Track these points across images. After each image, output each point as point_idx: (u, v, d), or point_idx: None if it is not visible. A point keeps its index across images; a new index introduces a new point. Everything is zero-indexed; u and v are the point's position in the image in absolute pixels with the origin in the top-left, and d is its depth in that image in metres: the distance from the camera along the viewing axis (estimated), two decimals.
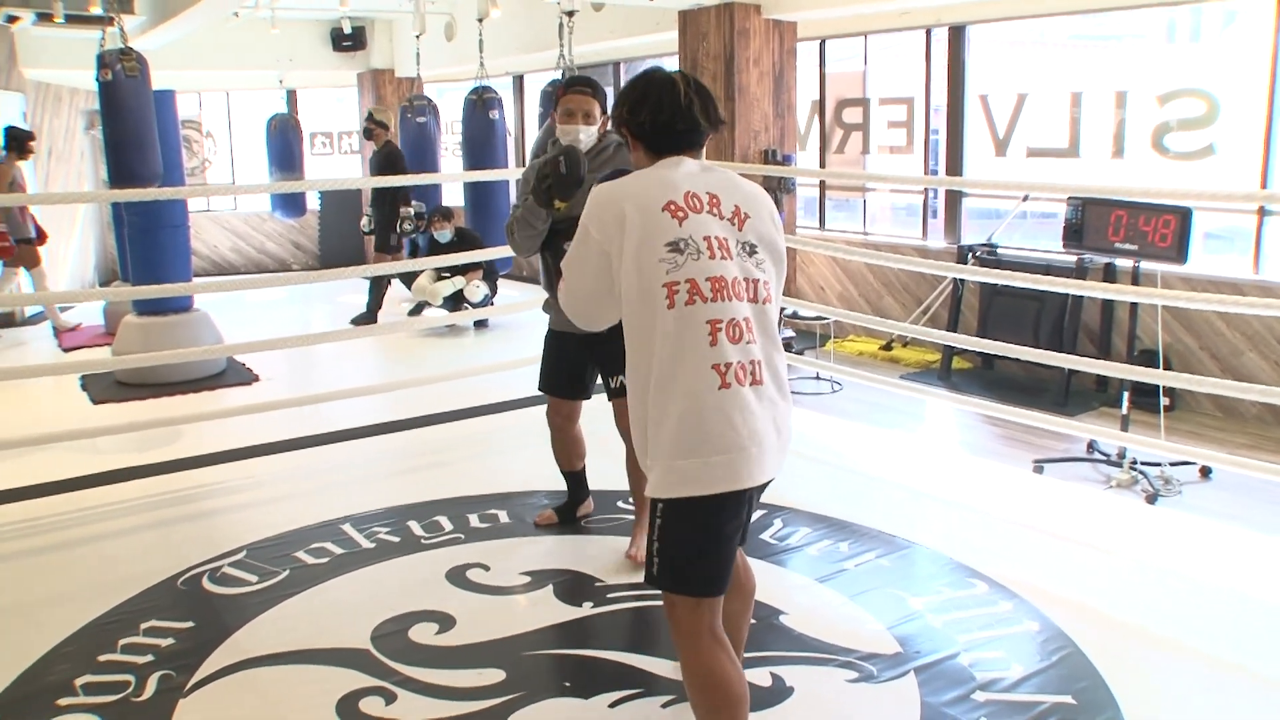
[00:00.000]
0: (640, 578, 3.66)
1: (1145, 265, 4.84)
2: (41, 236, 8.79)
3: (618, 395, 3.82)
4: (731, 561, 2.36)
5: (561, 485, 4.32)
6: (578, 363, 3.94)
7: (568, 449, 4.18)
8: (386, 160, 8.79)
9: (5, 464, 5.16)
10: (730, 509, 2.27)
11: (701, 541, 2.29)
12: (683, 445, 2.20)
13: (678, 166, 2.39)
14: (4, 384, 6.97)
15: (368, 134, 9.04)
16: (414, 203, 9.82)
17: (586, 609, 3.53)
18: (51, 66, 9.79)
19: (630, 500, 4.28)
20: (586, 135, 3.65)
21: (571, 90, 3.69)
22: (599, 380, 3.96)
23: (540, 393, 4.11)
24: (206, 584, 3.81)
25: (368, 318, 8.88)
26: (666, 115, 2.39)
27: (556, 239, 3.63)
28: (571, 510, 4.31)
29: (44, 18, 7.56)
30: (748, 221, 2.36)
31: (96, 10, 6.84)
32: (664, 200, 2.28)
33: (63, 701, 3.03)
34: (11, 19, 7.79)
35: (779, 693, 2.97)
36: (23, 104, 9.78)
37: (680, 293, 2.22)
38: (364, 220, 9.31)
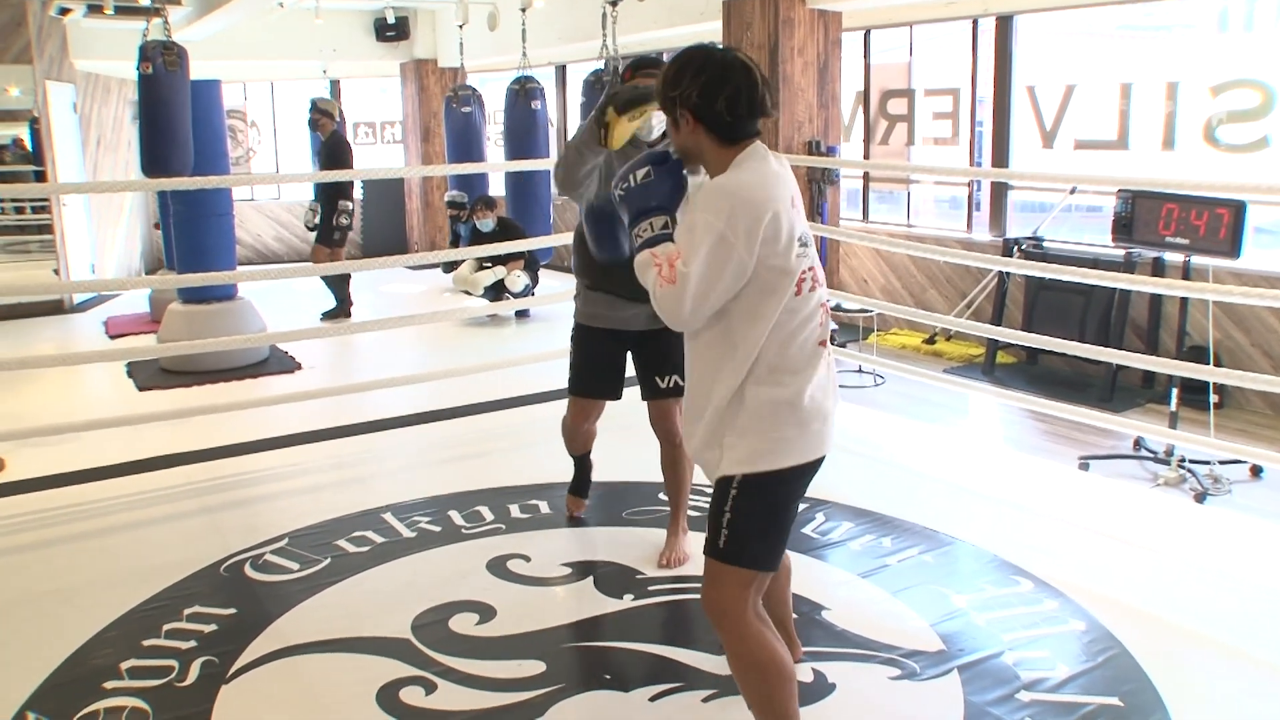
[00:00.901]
0: (681, 570, 3.69)
1: (1196, 260, 4.72)
2: None
3: (667, 395, 3.69)
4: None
5: (607, 476, 4.30)
6: (617, 361, 3.78)
7: (584, 440, 4.07)
8: (332, 151, 8.44)
9: (53, 449, 5.24)
10: (807, 478, 2.39)
11: (778, 514, 2.36)
12: (794, 417, 2.29)
13: (768, 158, 2.31)
14: (53, 370, 7.07)
15: (313, 125, 8.71)
16: (453, 192, 9.87)
17: (627, 601, 3.51)
18: (101, 58, 9.92)
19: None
20: (659, 122, 3.37)
21: (641, 73, 3.44)
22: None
23: (572, 394, 3.89)
24: (249, 571, 3.84)
25: (339, 311, 8.64)
26: (747, 102, 2.27)
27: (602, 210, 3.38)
28: (586, 484, 4.25)
29: (94, 9, 7.67)
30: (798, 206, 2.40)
31: (145, 1, 6.90)
32: (789, 194, 2.29)
33: (108, 685, 3.06)
34: (64, 11, 7.89)
35: (821, 689, 2.94)
36: (73, 94, 9.92)
37: (806, 280, 2.29)
38: (307, 214, 8.86)
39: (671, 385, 3.66)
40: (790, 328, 2.29)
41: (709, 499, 2.41)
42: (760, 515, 2.33)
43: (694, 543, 3.73)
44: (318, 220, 8.64)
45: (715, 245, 2.18)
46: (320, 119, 8.61)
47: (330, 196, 8.51)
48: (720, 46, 2.36)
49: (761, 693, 2.37)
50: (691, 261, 2.19)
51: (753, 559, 2.34)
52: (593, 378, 3.79)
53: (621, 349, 3.72)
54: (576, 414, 3.90)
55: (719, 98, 2.25)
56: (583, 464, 4.20)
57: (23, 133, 10.11)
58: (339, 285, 8.65)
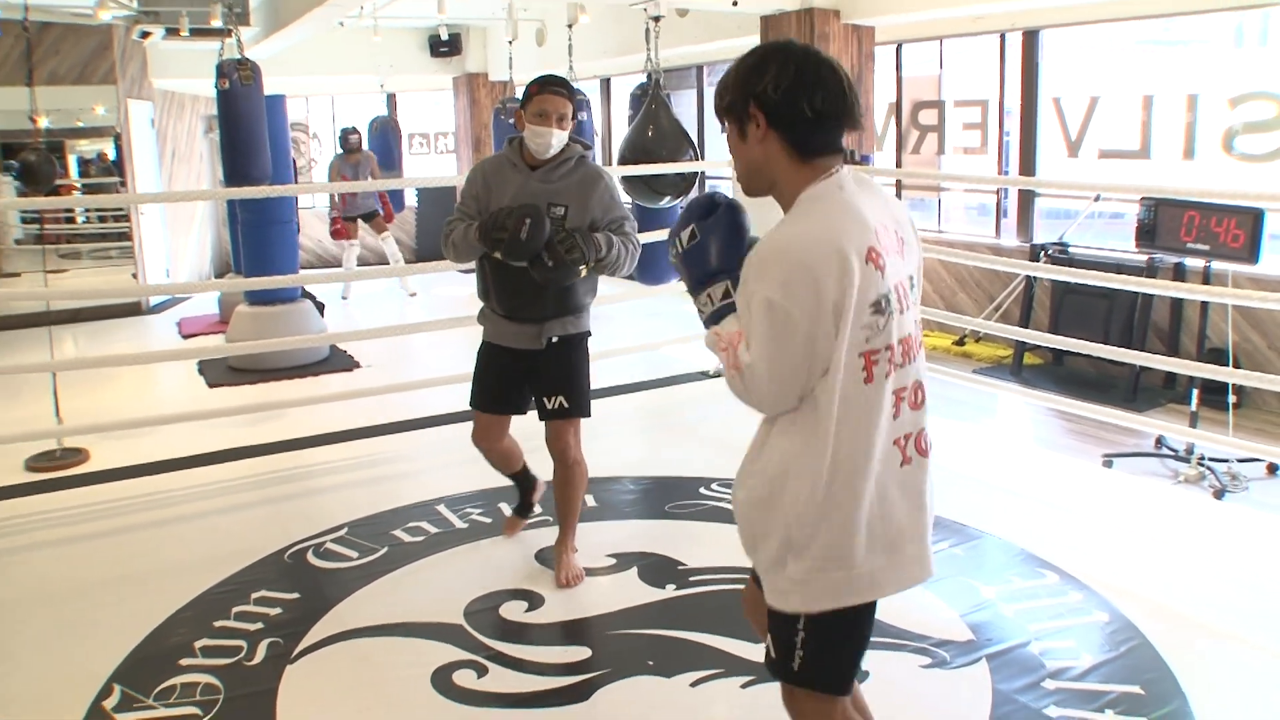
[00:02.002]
0: (721, 561, 3.67)
1: (1216, 265, 4.67)
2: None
3: (554, 417, 3.54)
4: None
5: (650, 471, 4.28)
6: (509, 376, 3.57)
7: (504, 460, 3.84)
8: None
9: (130, 442, 5.32)
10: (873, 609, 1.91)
11: (860, 641, 1.92)
12: (870, 543, 1.80)
13: (845, 185, 1.80)
14: (130, 368, 7.18)
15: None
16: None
17: (669, 591, 3.51)
18: (176, 76, 10.05)
19: (711, 488, 4.22)
20: (558, 140, 3.31)
21: (547, 90, 3.30)
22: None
23: (470, 406, 3.69)
24: (311, 558, 3.87)
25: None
26: (834, 103, 1.78)
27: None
28: (528, 505, 4.02)
29: (172, 32, 7.81)
30: (907, 246, 1.87)
31: (217, 23, 7.00)
32: (866, 245, 1.72)
33: (184, 662, 3.11)
34: (144, 35, 8.06)
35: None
36: (152, 111, 10.07)
37: (880, 363, 1.76)
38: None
39: (557, 406, 3.51)
40: (872, 422, 1.77)
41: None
42: (848, 643, 1.90)
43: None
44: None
45: (773, 321, 1.69)
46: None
47: None
48: (801, 43, 1.86)
49: None
50: (753, 344, 1.73)
51: (839, 684, 1.92)
52: (484, 391, 3.62)
53: (515, 366, 3.53)
54: (477, 429, 3.71)
55: (805, 96, 1.76)
56: (520, 482, 3.94)
57: (107, 147, 10.31)
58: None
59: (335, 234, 10.04)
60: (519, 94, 11.09)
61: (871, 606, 1.88)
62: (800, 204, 1.80)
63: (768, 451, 1.84)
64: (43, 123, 7.24)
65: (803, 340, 1.69)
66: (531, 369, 3.51)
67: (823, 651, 1.86)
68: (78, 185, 10.43)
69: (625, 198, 3.63)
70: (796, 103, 1.76)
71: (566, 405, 3.52)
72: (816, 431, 1.75)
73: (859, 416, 1.76)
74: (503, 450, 3.79)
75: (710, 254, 1.87)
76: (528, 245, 3.18)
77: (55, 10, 8.22)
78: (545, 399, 3.53)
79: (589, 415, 3.59)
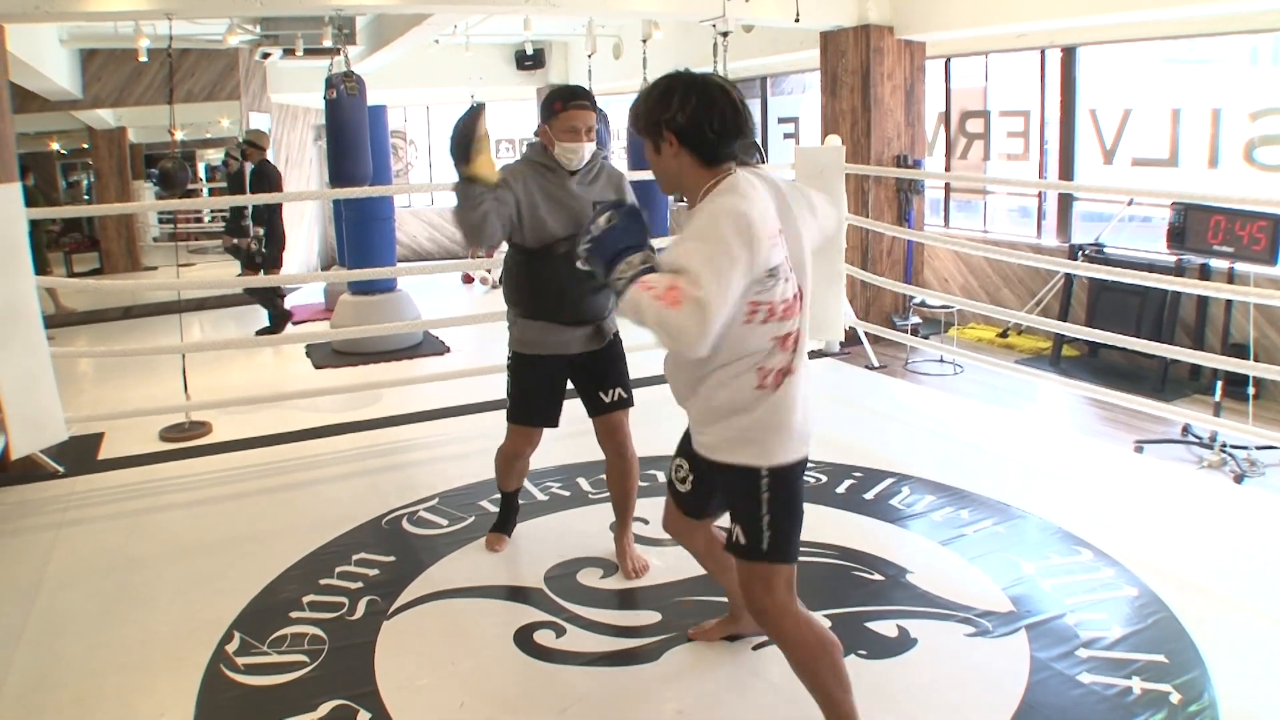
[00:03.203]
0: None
1: (1239, 266, 4.61)
2: None
3: (613, 409, 3.29)
4: None
5: None
6: (556, 386, 3.31)
7: (520, 473, 3.60)
8: (261, 177, 7.58)
9: (246, 418, 5.44)
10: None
11: (800, 505, 2.23)
12: (787, 412, 2.14)
13: (739, 183, 2.06)
14: (247, 350, 7.35)
15: (243, 155, 7.75)
16: None
17: None
18: (290, 91, 10.25)
19: None
20: (589, 152, 3.09)
21: (574, 105, 3.04)
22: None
23: (513, 423, 3.38)
24: (406, 525, 3.91)
25: (276, 327, 7.68)
26: (730, 123, 2.05)
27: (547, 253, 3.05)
28: (511, 522, 3.72)
29: (288, 52, 7.98)
30: (784, 234, 2.12)
31: (328, 43, 7.11)
32: (774, 224, 2.06)
33: (294, 615, 3.17)
34: (265, 55, 8.26)
35: (904, 643, 2.88)
36: (269, 122, 10.29)
37: (759, 312, 2.06)
38: (251, 243, 7.63)
39: (616, 399, 3.29)
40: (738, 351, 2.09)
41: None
42: (795, 505, 2.22)
43: None
44: (261, 246, 7.59)
45: (722, 262, 1.94)
46: (250, 150, 7.76)
47: (271, 220, 7.59)
48: (695, 71, 2.12)
49: (830, 674, 2.21)
50: (702, 282, 1.91)
51: (794, 553, 2.22)
52: (533, 405, 3.31)
53: (560, 374, 3.28)
54: (517, 442, 3.41)
55: (706, 119, 2.03)
56: (511, 502, 3.71)
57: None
58: (271, 301, 7.76)
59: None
60: (598, 103, 11.06)
61: (801, 478, 2.22)
62: (721, 189, 2.05)
63: (715, 404, 2.16)
64: (179, 135, 7.41)
65: (738, 280, 1.95)
66: (579, 371, 3.28)
67: (783, 519, 2.17)
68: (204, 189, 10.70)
69: None
70: (700, 127, 2.04)
71: (625, 395, 3.33)
72: (733, 347, 2.07)
73: (745, 348, 2.08)
74: (525, 466, 3.57)
75: (628, 231, 2.07)
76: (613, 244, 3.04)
77: (192, 38, 8.46)
78: (602, 393, 3.28)
79: (633, 405, 3.38)
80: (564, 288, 3.06)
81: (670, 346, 2.01)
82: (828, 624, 2.27)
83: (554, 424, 3.34)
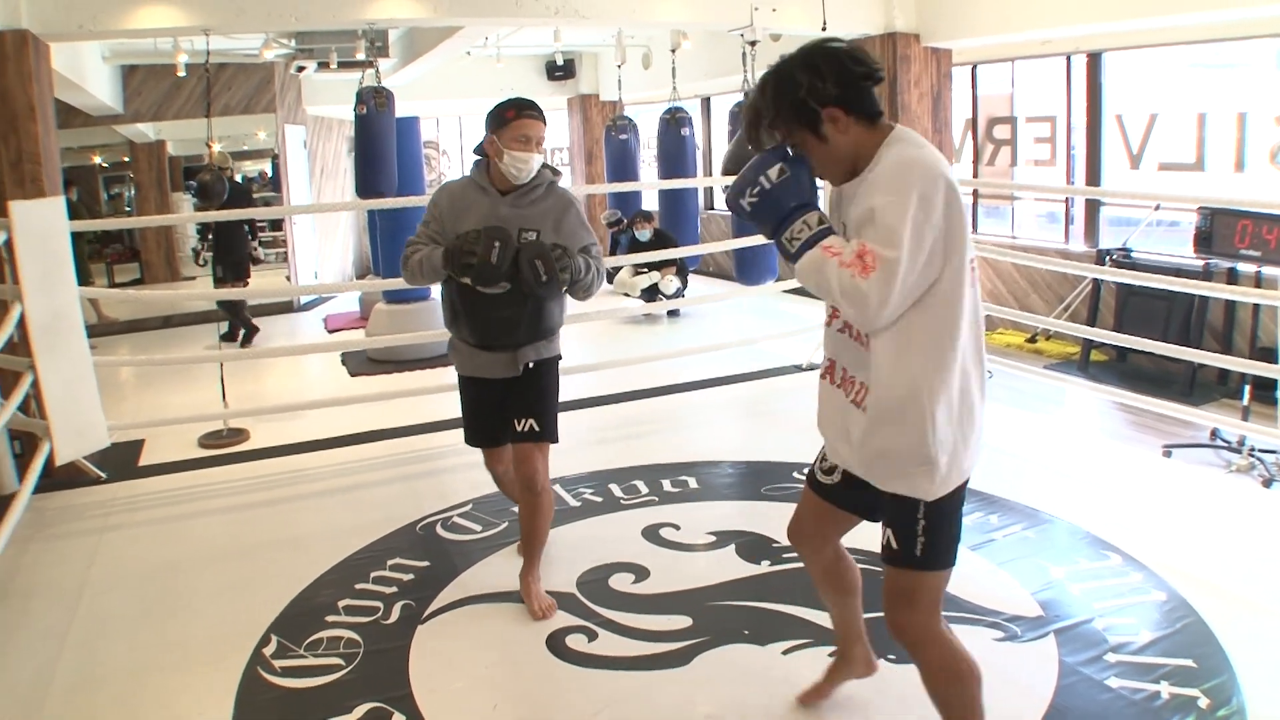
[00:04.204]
0: None
1: (1267, 270, 4.57)
2: None
3: (523, 439, 3.14)
4: None
5: (747, 455, 4.20)
6: (492, 409, 3.20)
7: (511, 483, 3.41)
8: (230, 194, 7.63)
9: (282, 425, 5.50)
10: None
11: (960, 512, 2.03)
12: (976, 429, 1.94)
13: (906, 133, 1.89)
14: (284, 358, 7.43)
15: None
16: (608, 212, 9.96)
17: (764, 567, 3.46)
18: (324, 104, 10.37)
19: (803, 471, 4.14)
20: (537, 163, 3.00)
21: (525, 114, 2.96)
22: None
23: (469, 444, 3.33)
24: (440, 530, 3.94)
25: (248, 337, 8.06)
26: (866, 64, 1.86)
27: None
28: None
29: (323, 66, 8.10)
30: None
31: (361, 56, 7.19)
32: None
33: (330, 619, 3.20)
34: (300, 69, 8.38)
35: None
36: (304, 134, 10.42)
37: (975, 270, 1.88)
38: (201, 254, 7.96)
39: (527, 429, 3.12)
40: (978, 327, 1.89)
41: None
42: (958, 515, 2.01)
43: None
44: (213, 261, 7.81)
45: (916, 223, 1.74)
46: (217, 170, 7.85)
47: (231, 235, 7.81)
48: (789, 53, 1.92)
49: (965, 699, 2.06)
50: (889, 244, 1.73)
51: (953, 558, 2.01)
52: (475, 430, 3.28)
53: (491, 396, 3.18)
54: (488, 461, 3.41)
55: (849, 74, 1.84)
56: None
57: (267, 167, 10.71)
58: (235, 313, 8.06)
59: None
60: (627, 112, 11.10)
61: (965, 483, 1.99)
62: (892, 143, 1.86)
63: (895, 374, 1.86)
64: (216, 148, 7.54)
65: (931, 242, 1.76)
66: (505, 395, 3.16)
67: (947, 530, 1.97)
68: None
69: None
70: (854, 82, 1.84)
71: (537, 429, 3.14)
72: (934, 343, 1.83)
73: (974, 321, 1.87)
74: (512, 484, 3.42)
75: (801, 185, 1.88)
76: (498, 269, 2.86)
77: (229, 53, 8.60)
78: (515, 421, 3.14)
79: (557, 441, 3.21)
80: (465, 309, 3.02)
81: (852, 317, 1.85)
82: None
83: (499, 444, 3.28)
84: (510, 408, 3.14)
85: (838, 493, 2.21)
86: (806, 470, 2.32)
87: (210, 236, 7.84)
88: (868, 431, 1.94)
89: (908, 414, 1.87)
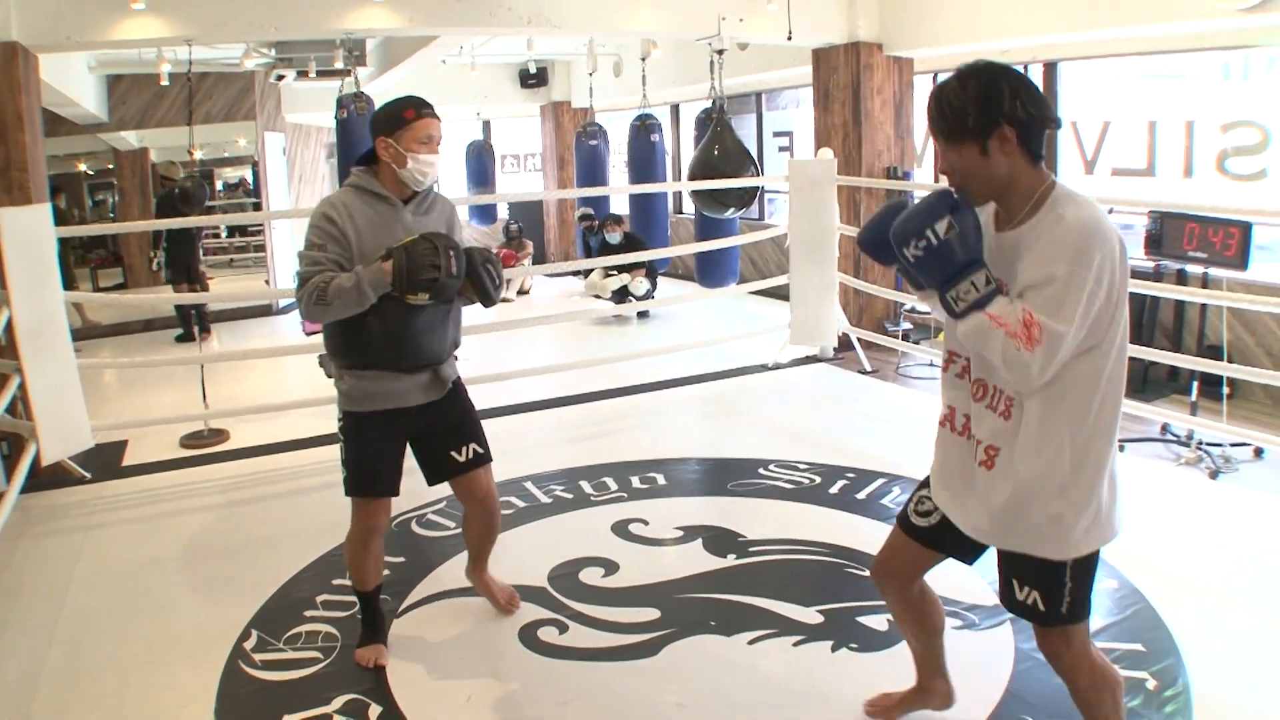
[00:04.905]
0: (779, 534, 3.64)
1: (1213, 271, 4.68)
2: None
3: (471, 467, 2.81)
4: None
5: (714, 453, 4.21)
6: (401, 445, 2.79)
7: (377, 558, 2.91)
8: (161, 203, 8.19)
9: (262, 425, 5.48)
10: None
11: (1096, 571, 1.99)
12: (1113, 491, 1.91)
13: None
14: (263, 360, 7.38)
15: (161, 184, 8.57)
16: (583, 208, 10.01)
17: (730, 560, 3.50)
18: (303, 111, 10.31)
19: (769, 468, 4.15)
20: (439, 168, 2.65)
21: (427, 114, 2.60)
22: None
23: (358, 496, 2.78)
24: (414, 527, 3.94)
25: (187, 336, 8.32)
26: (1051, 112, 1.81)
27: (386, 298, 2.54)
28: (382, 624, 2.99)
29: (302, 74, 8.06)
30: None
31: (339, 65, 7.17)
32: None
33: (308, 613, 3.21)
34: (280, 77, 8.35)
35: (894, 637, 2.88)
36: (283, 141, 10.33)
37: (1127, 325, 1.85)
38: (155, 258, 8.27)
39: (472, 455, 2.81)
40: (1120, 376, 1.84)
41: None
42: (1094, 572, 1.97)
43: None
44: (166, 261, 8.14)
45: (1087, 294, 1.70)
46: (165, 180, 8.66)
47: (179, 240, 8.05)
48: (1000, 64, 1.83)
49: (1110, 704, 2.05)
50: (1060, 318, 1.70)
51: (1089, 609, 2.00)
52: (374, 472, 2.74)
53: (401, 432, 2.75)
54: (364, 519, 2.80)
55: (1041, 111, 1.78)
56: (374, 603, 2.95)
57: (247, 173, 10.63)
58: (186, 315, 8.37)
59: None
60: (598, 118, 11.12)
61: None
62: (1062, 196, 1.79)
63: (1043, 430, 1.83)
64: (197, 155, 7.52)
65: (1093, 314, 1.73)
66: (421, 425, 2.75)
67: (1084, 587, 1.93)
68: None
69: None
70: (1042, 120, 1.78)
71: (480, 451, 2.85)
72: (1089, 404, 1.80)
73: (1120, 387, 1.84)
74: (381, 549, 2.92)
75: (969, 243, 1.79)
76: (459, 279, 2.55)
77: (210, 62, 8.55)
78: (455, 452, 2.79)
79: (492, 459, 2.93)
80: (400, 329, 2.60)
81: (1009, 382, 1.81)
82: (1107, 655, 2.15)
83: (397, 492, 2.79)
84: (440, 438, 2.78)
85: (935, 535, 2.16)
86: (899, 512, 2.28)
87: (164, 242, 8.07)
88: (1013, 497, 1.88)
89: (1061, 476, 1.84)
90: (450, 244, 2.54)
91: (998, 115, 1.76)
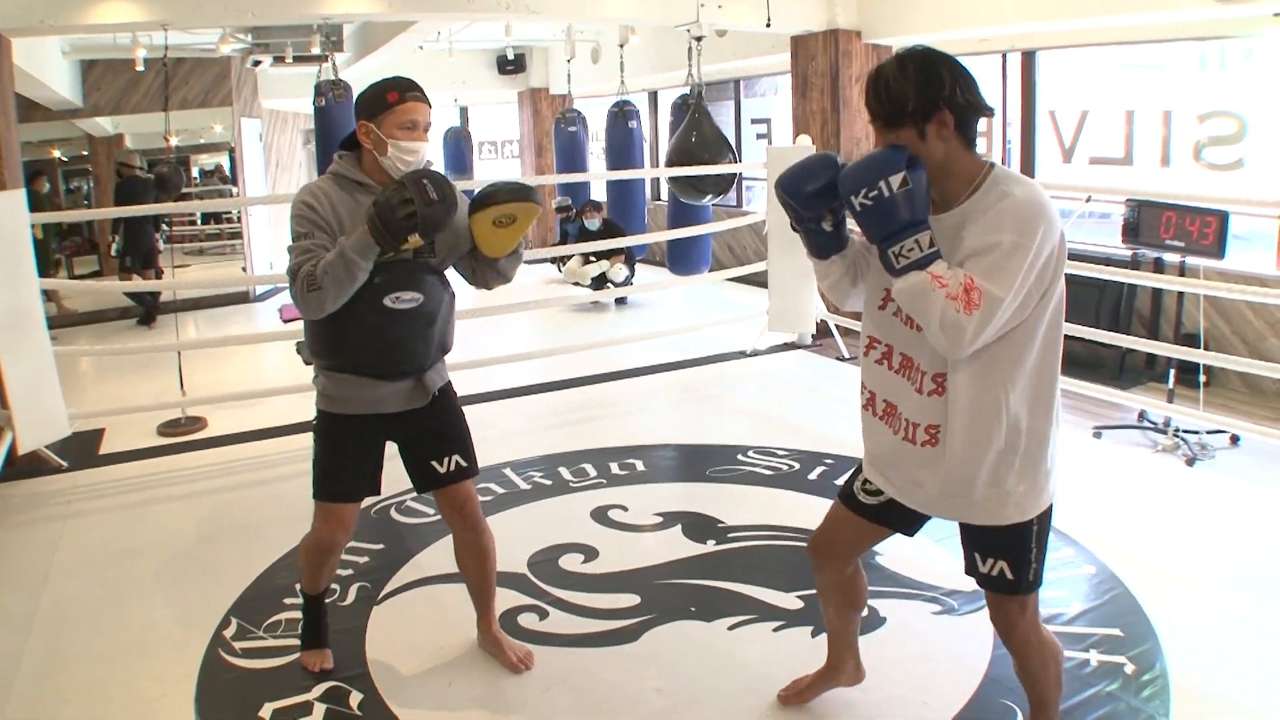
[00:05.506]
0: (758, 520, 3.64)
1: (1190, 260, 4.71)
2: None
3: (454, 480, 2.62)
4: None
5: (692, 439, 4.20)
6: (377, 450, 2.58)
7: (332, 565, 2.74)
8: (122, 189, 8.41)
9: (239, 413, 5.41)
10: None
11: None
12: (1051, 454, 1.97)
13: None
14: (241, 348, 7.30)
15: (119, 173, 8.79)
16: (560, 198, 9.94)
17: (710, 546, 3.49)
18: (280, 97, 10.18)
19: (747, 454, 4.12)
20: (426, 154, 2.41)
21: (412, 96, 2.35)
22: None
23: (326, 500, 2.58)
24: (394, 514, 3.91)
25: (147, 318, 8.54)
26: (987, 102, 1.83)
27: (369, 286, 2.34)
28: (325, 631, 2.82)
29: (278, 60, 7.96)
30: None
31: (316, 51, 7.07)
32: None
33: (288, 601, 3.15)
34: (256, 63, 8.23)
35: (874, 621, 2.90)
36: (259, 127, 10.20)
37: (1063, 311, 1.87)
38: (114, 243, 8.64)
39: (454, 468, 2.61)
40: (1055, 351, 1.88)
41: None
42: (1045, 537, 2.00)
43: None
44: (121, 248, 8.44)
45: (1025, 265, 1.71)
46: (123, 169, 8.81)
47: (132, 228, 8.33)
48: (925, 46, 1.84)
49: (1053, 680, 2.10)
50: (1000, 284, 1.70)
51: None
52: (343, 476, 2.55)
53: (378, 437, 2.56)
54: (328, 525, 2.59)
55: (977, 96, 1.79)
56: (319, 608, 2.80)
57: (224, 160, 10.47)
58: (139, 299, 8.60)
59: None
60: (576, 105, 11.07)
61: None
62: (1006, 175, 1.81)
63: (977, 404, 1.84)
64: (174, 141, 7.42)
65: (1031, 283, 1.74)
66: (401, 433, 2.58)
67: (1045, 552, 1.99)
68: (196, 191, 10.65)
69: None
70: (976, 105, 1.79)
71: (464, 464, 2.64)
72: (1018, 376, 1.83)
73: (1054, 360, 1.86)
74: (338, 558, 2.76)
75: (918, 203, 1.75)
76: (445, 203, 2.25)
77: (186, 48, 8.41)
78: (436, 462, 2.60)
79: (479, 472, 2.73)
80: (379, 333, 2.41)
81: (940, 345, 1.78)
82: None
83: (373, 492, 2.61)
84: (426, 446, 2.60)
85: (881, 511, 2.14)
86: (840, 490, 2.27)
87: (121, 229, 8.21)
88: (957, 471, 1.89)
89: (1009, 439, 1.86)
90: (421, 174, 2.27)
91: (937, 99, 1.76)
